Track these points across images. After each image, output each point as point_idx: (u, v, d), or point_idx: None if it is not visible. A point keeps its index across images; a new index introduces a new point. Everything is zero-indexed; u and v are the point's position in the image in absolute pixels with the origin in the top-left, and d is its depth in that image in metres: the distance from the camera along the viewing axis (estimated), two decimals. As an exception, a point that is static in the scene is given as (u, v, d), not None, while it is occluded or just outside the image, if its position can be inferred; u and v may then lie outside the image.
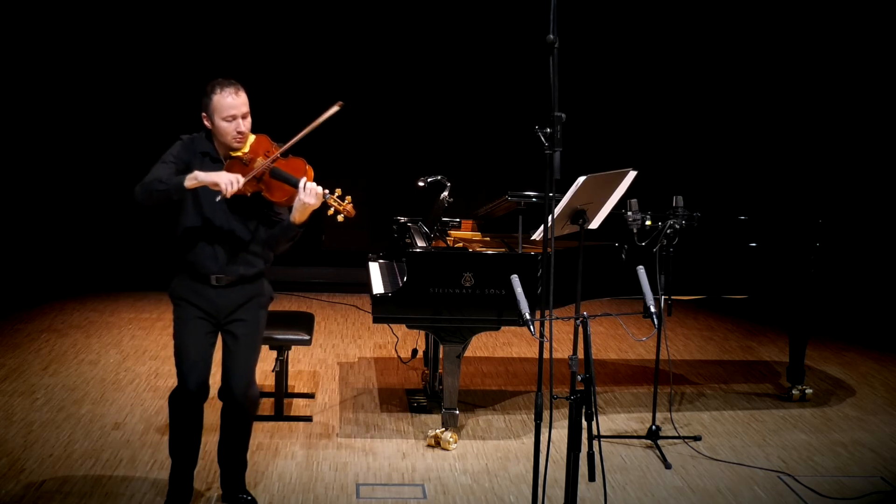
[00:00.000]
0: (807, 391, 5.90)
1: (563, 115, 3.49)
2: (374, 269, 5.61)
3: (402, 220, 5.79)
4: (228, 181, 3.69)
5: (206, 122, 3.90)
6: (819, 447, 5.15)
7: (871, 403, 5.96)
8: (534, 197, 5.01)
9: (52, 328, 7.12)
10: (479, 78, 9.20)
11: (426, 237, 5.29)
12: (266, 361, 6.10)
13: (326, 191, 3.82)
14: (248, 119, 3.89)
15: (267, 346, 5.27)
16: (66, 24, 8.64)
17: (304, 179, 3.78)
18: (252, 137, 3.91)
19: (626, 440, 5.12)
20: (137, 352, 6.55)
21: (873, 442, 5.26)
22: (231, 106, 3.81)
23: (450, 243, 5.45)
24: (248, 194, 3.85)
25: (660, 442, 5.01)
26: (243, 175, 3.76)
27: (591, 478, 3.40)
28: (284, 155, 3.86)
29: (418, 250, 4.96)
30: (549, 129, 3.49)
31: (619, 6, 9.11)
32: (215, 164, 3.90)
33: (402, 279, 4.96)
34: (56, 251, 8.76)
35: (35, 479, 4.38)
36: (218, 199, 3.76)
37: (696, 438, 5.16)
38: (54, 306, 7.79)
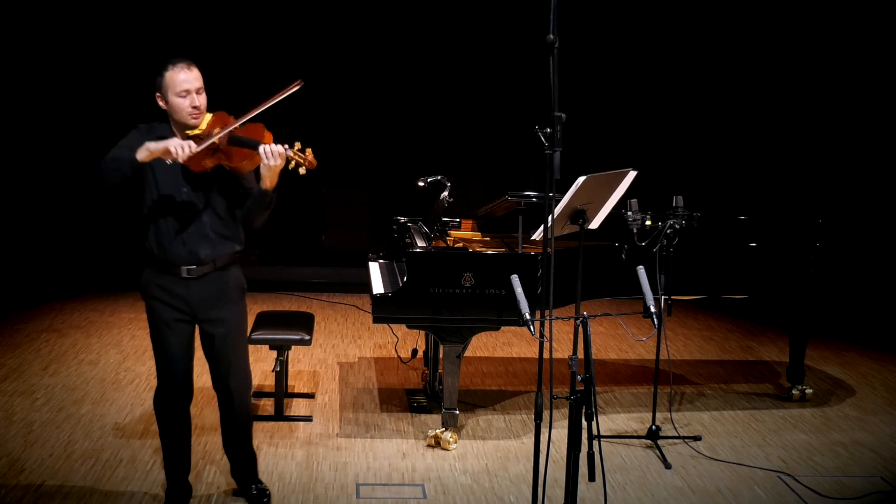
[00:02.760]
0: (807, 391, 5.90)
1: (563, 115, 3.48)
2: (374, 269, 5.61)
3: (402, 220, 5.78)
4: (178, 145, 3.59)
5: (160, 103, 3.80)
6: (819, 447, 5.15)
7: (871, 403, 5.96)
8: (534, 197, 5.01)
9: (52, 328, 7.12)
10: (479, 78, 9.21)
11: (426, 237, 5.29)
12: (266, 361, 6.12)
13: (286, 146, 3.71)
14: (203, 96, 3.79)
15: (267, 346, 5.28)
16: (66, 25, 8.65)
17: (262, 145, 3.69)
18: (209, 116, 3.82)
19: (626, 440, 5.12)
20: (137, 352, 6.55)
21: (873, 442, 5.26)
22: (184, 80, 3.73)
23: (450, 243, 5.45)
24: (209, 169, 3.75)
25: (660, 442, 5.01)
26: (201, 143, 3.67)
27: (591, 478, 3.40)
28: (242, 126, 3.77)
29: (418, 250, 4.96)
30: (549, 129, 3.49)
31: (619, 6, 9.11)
32: None
33: (402, 279, 4.96)
34: (56, 251, 8.76)
35: (35, 479, 4.38)
36: (169, 161, 3.66)
37: (696, 438, 5.16)
38: (54, 306, 7.79)
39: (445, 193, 5.20)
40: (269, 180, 3.74)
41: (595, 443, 3.39)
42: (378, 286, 5.22)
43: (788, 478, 4.70)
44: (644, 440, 5.08)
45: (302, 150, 3.73)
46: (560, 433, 4.64)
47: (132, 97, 8.78)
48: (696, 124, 9.21)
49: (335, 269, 8.88)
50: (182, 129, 3.80)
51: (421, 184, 5.24)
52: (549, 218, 3.57)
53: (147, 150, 3.64)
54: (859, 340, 7.45)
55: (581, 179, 4.42)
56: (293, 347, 5.37)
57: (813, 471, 4.83)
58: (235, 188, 3.87)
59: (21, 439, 4.85)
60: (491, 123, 9.20)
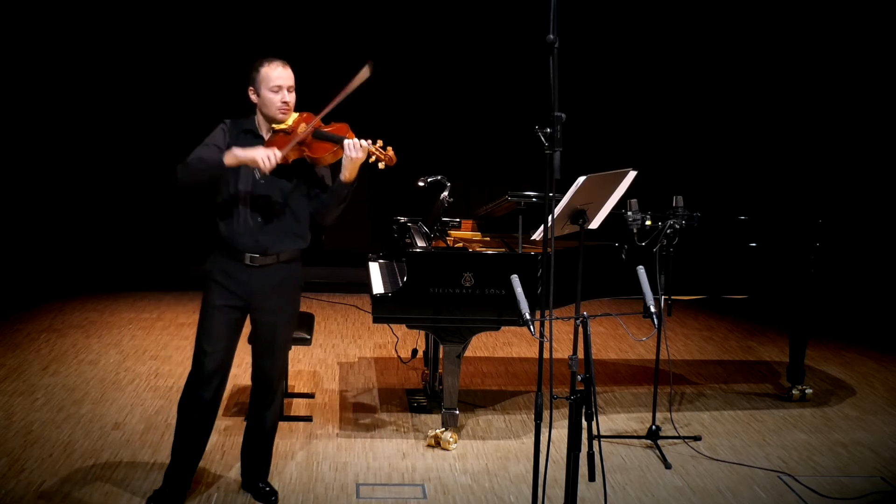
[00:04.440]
0: (807, 391, 5.90)
1: (563, 115, 3.49)
2: (374, 269, 5.61)
3: (402, 220, 5.79)
4: (265, 156, 3.74)
5: (252, 96, 3.97)
6: (819, 447, 5.15)
7: (871, 403, 5.96)
8: (534, 197, 5.01)
9: (52, 328, 7.12)
10: (480, 78, 9.21)
11: (426, 237, 5.29)
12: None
13: (369, 141, 3.92)
14: (293, 94, 3.97)
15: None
16: (65, 24, 8.64)
17: (346, 138, 3.88)
18: (295, 114, 4.00)
19: (626, 440, 5.12)
20: (137, 352, 6.55)
21: (873, 442, 5.26)
22: (278, 77, 3.93)
23: (450, 243, 5.45)
24: (290, 161, 3.90)
25: (660, 442, 5.01)
26: (287, 141, 3.86)
27: (591, 478, 3.40)
28: (325, 121, 3.96)
29: (418, 250, 4.96)
30: (549, 129, 3.49)
31: (619, 6, 9.11)
32: (257, 139, 3.97)
33: (402, 279, 4.96)
34: (56, 251, 8.76)
35: (35, 479, 4.38)
36: (258, 176, 3.87)
37: (696, 438, 5.16)
38: (54, 306, 7.79)
39: (445, 193, 5.20)
40: (348, 171, 3.90)
41: (595, 443, 3.39)
42: (378, 286, 5.22)
43: (788, 478, 4.70)
44: (644, 440, 5.08)
45: (383, 147, 3.95)
46: (560, 433, 4.64)
47: (130, 99, 8.81)
48: (696, 124, 9.21)
49: (335, 269, 8.88)
50: (269, 123, 3.99)
51: (421, 184, 5.24)
52: (549, 218, 3.57)
53: (235, 157, 3.80)
54: (859, 340, 7.45)
55: (581, 179, 4.42)
56: (293, 347, 5.36)
57: (813, 471, 4.83)
58: (311, 186, 4.02)
59: (21, 439, 4.85)
60: (491, 123, 9.20)
